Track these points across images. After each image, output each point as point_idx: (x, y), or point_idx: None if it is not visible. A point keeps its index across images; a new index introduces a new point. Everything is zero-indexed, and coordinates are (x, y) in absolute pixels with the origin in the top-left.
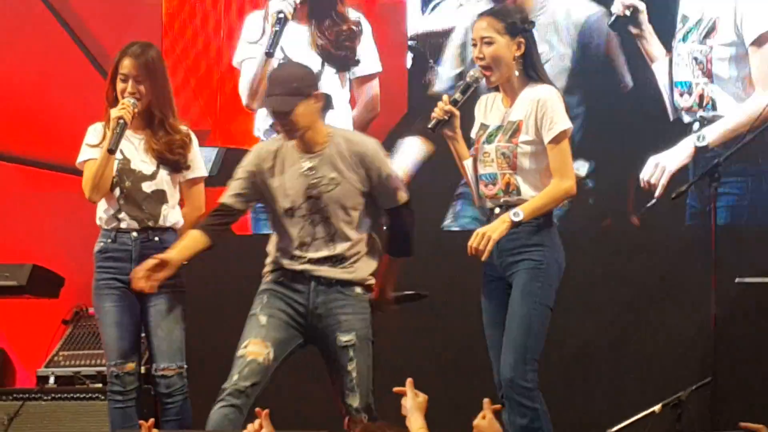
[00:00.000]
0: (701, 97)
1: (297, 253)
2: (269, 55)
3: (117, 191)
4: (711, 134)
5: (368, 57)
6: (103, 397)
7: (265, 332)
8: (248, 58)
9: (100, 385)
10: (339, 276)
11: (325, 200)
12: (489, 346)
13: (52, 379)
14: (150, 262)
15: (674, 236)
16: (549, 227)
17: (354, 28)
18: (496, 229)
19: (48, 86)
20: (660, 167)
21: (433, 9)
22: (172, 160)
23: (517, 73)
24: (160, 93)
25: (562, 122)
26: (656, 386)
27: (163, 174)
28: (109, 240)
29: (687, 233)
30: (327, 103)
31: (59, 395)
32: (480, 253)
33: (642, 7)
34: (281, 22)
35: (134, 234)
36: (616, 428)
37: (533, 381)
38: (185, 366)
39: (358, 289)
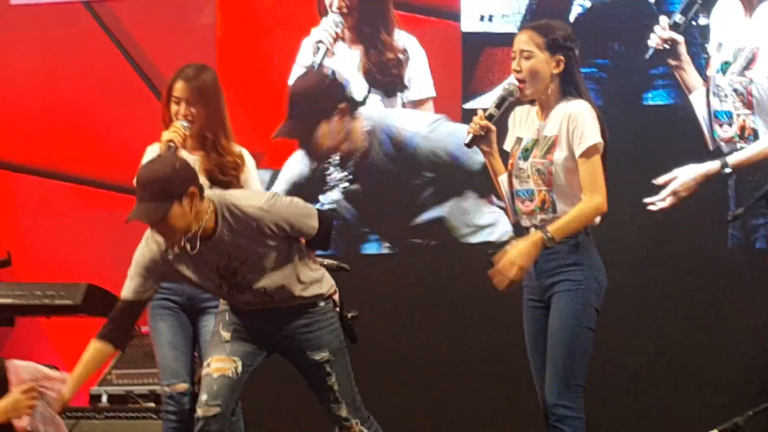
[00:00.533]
0: (743, 128)
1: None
2: None
3: None
4: (736, 157)
5: (420, 82)
6: (155, 417)
7: (230, 347)
8: None
9: (152, 404)
10: (296, 303)
11: (240, 274)
12: (533, 372)
13: (104, 398)
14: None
15: (728, 259)
16: (588, 246)
17: (400, 56)
18: (526, 254)
19: (103, 106)
20: (674, 173)
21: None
22: (224, 181)
23: (550, 90)
24: (213, 115)
25: (592, 137)
26: (712, 411)
27: None
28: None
29: (737, 257)
30: (202, 192)
31: (112, 414)
32: (503, 282)
33: (680, 39)
34: (321, 51)
35: None
36: None
37: (578, 408)
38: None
39: (321, 303)
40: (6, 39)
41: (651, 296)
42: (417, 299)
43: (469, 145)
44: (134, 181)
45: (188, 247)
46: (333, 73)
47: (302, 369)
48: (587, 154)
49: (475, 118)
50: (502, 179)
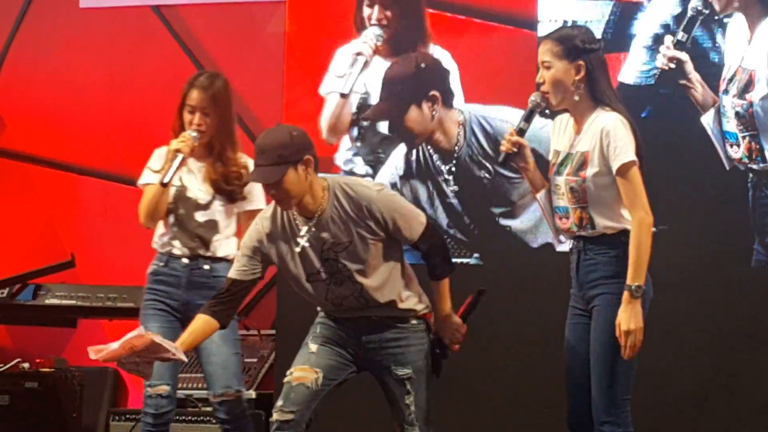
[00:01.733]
0: (749, 149)
1: (332, 311)
2: (344, 96)
3: (171, 218)
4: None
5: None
6: (214, 421)
7: (314, 359)
8: (333, 91)
9: (210, 408)
10: (388, 314)
11: (341, 261)
12: (568, 382)
13: None
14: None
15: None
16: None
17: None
18: (631, 316)
19: (169, 111)
20: None
21: None
22: (228, 190)
23: (577, 98)
24: (223, 125)
25: (626, 154)
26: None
27: (217, 204)
28: (162, 264)
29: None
30: (318, 163)
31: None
32: (636, 350)
33: (685, 57)
34: (360, 63)
35: (185, 261)
36: None
37: (627, 423)
38: (243, 389)
39: (413, 320)
40: (74, 41)
41: (710, 315)
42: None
43: (503, 164)
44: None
45: (302, 222)
46: (366, 91)
47: (384, 385)
48: (623, 170)
49: (506, 135)
50: (540, 196)
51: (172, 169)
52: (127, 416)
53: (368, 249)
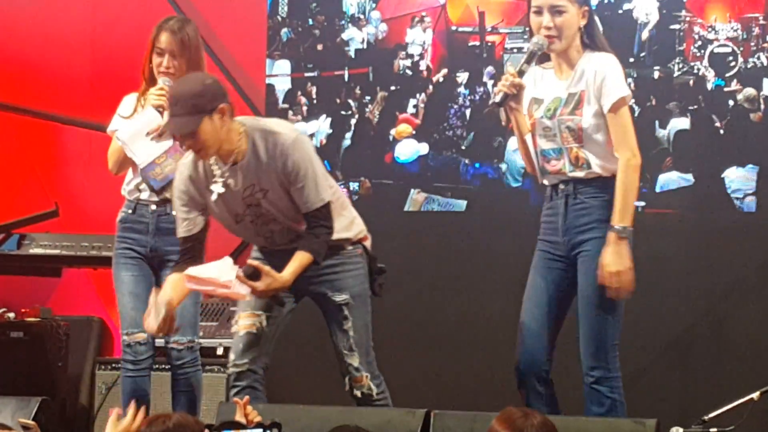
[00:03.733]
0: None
1: (264, 245)
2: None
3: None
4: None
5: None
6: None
7: (254, 302)
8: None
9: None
10: None
11: (264, 206)
12: (524, 326)
13: (220, 350)
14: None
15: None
16: None
17: None
18: (620, 257)
19: None
20: None
21: None
22: None
23: (578, 41)
24: (192, 69)
25: (620, 89)
26: (755, 373)
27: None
28: (130, 211)
29: None
30: (233, 107)
31: (157, 366)
32: (623, 292)
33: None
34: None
35: (153, 207)
36: (713, 414)
37: (615, 369)
38: (196, 340)
39: (348, 246)
40: None
41: (696, 261)
42: None
43: (500, 104)
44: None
45: (216, 169)
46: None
47: (324, 312)
48: (616, 106)
49: (506, 76)
50: (528, 139)
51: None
52: (113, 365)
53: (287, 196)
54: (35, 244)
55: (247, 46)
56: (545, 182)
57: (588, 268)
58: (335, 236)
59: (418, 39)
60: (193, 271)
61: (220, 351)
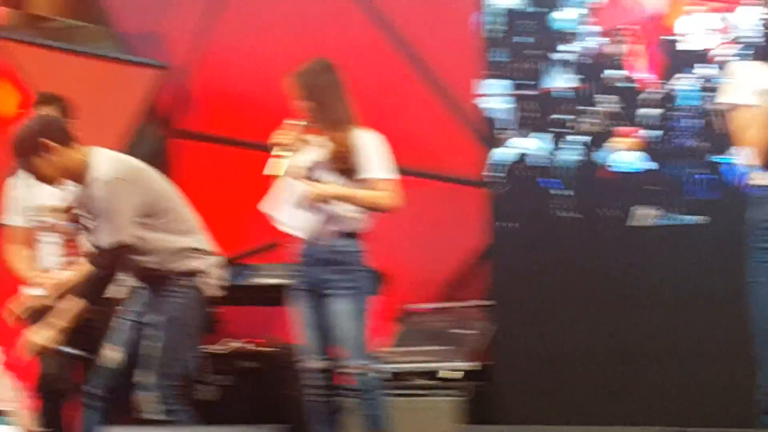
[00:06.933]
0: None
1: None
2: None
3: None
4: None
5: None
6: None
7: (116, 337)
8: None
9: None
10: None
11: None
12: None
13: None
14: None
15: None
16: None
17: None
18: None
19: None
20: None
21: None
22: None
23: None
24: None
25: None
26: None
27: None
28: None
29: None
30: (64, 137)
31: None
32: None
33: None
34: None
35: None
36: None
37: None
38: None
39: (182, 281)
40: (271, 21)
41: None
42: None
43: None
44: None
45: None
46: None
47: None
48: None
49: None
50: None
51: None
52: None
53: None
54: (259, 274)
55: (460, 67)
56: None
57: None
58: (171, 267)
59: (635, 49)
60: None
61: None
